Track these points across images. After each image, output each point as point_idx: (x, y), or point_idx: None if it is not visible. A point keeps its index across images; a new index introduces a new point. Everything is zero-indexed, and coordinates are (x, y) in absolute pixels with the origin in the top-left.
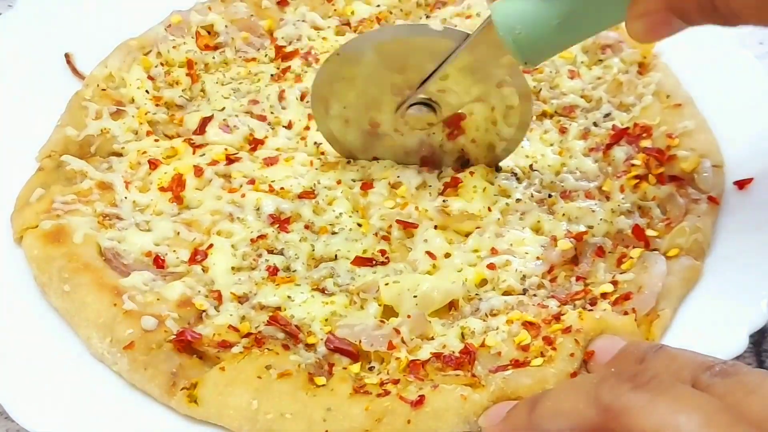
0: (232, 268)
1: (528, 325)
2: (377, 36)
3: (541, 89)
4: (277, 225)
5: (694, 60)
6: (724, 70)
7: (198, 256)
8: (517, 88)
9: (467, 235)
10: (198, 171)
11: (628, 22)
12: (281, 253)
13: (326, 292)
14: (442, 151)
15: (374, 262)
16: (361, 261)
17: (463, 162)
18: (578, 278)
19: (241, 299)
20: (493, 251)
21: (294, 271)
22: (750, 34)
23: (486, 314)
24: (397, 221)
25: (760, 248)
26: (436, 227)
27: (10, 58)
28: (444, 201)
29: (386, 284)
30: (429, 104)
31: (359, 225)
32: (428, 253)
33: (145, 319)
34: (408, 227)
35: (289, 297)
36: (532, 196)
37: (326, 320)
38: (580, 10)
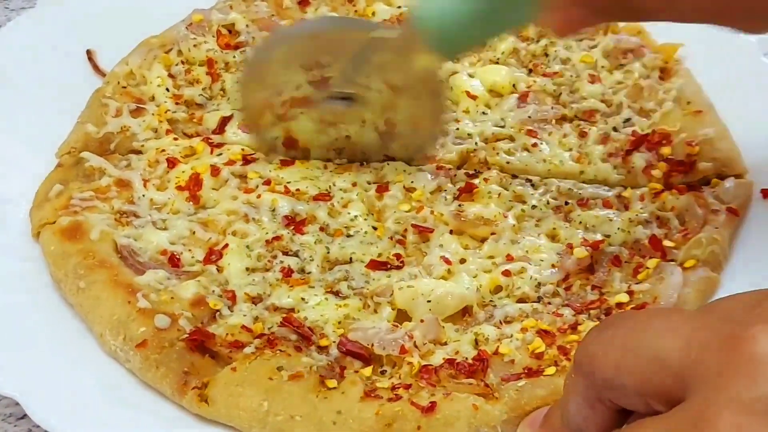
0: (247, 269)
1: (542, 333)
2: (294, 31)
3: (561, 93)
4: (293, 227)
5: (716, 67)
6: (746, 77)
7: (213, 256)
8: (431, 83)
9: (483, 240)
10: (215, 171)
11: (543, 17)
12: (296, 254)
13: (340, 294)
14: (364, 146)
15: (389, 266)
16: (376, 264)
17: (387, 157)
18: (593, 287)
19: (255, 300)
20: (508, 258)
21: (308, 273)
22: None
23: (500, 321)
24: (413, 225)
25: None
26: (451, 232)
27: (32, 54)
28: (459, 206)
29: (400, 288)
30: (351, 98)
31: (374, 228)
32: (443, 258)
33: (158, 318)
34: (423, 231)
35: (302, 299)
36: (548, 203)
37: (339, 323)
38: (495, 6)
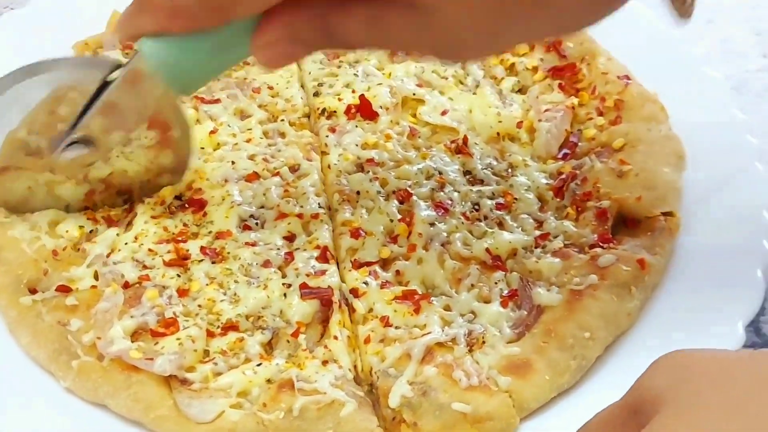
0: None
1: None
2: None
3: None
4: None
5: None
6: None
7: None
8: (176, 119)
9: None
10: None
11: (254, 53)
12: None
13: None
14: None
15: None
16: None
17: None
18: None
19: None
20: None
21: None
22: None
23: None
24: None
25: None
26: None
27: (24, 51)
28: None
29: None
30: (86, 142)
31: None
32: None
33: None
34: None
35: None
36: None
37: None
38: (222, 44)
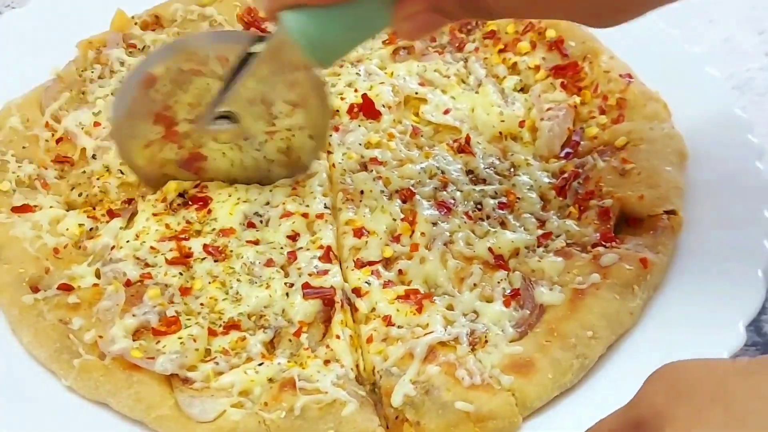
0: None
1: None
2: (157, 59)
3: None
4: None
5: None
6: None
7: None
8: (315, 93)
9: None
10: None
11: (395, 24)
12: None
13: None
14: (266, 165)
15: None
16: None
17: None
18: None
19: None
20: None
21: None
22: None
23: None
24: None
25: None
26: None
27: (25, 51)
28: None
29: None
30: (230, 117)
31: None
32: None
33: None
34: None
35: None
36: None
37: None
38: (361, 15)
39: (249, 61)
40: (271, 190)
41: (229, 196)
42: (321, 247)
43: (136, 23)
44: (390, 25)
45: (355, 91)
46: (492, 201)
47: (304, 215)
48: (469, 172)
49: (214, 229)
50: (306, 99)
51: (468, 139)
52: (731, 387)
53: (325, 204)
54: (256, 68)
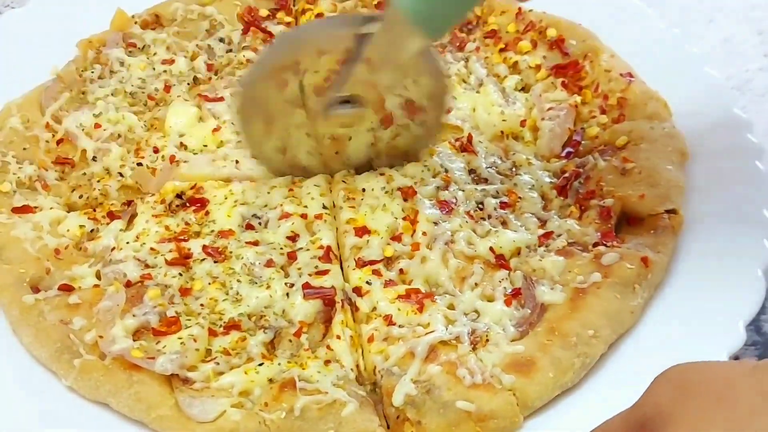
0: None
1: None
2: (280, 44)
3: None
4: None
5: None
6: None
7: None
8: (430, 69)
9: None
10: None
11: None
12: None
13: None
14: (377, 150)
15: None
16: None
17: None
18: None
19: None
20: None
21: None
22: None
23: None
24: None
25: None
26: None
27: (24, 51)
28: None
29: None
30: (352, 101)
31: None
32: None
33: None
34: None
35: None
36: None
37: None
38: None
39: (364, 43)
40: (269, 192)
41: (225, 198)
42: (321, 247)
43: (136, 22)
44: None
45: None
46: (493, 200)
47: (303, 216)
48: (471, 171)
49: (213, 231)
50: (419, 77)
51: (470, 138)
52: (737, 388)
53: (323, 204)
54: (371, 49)
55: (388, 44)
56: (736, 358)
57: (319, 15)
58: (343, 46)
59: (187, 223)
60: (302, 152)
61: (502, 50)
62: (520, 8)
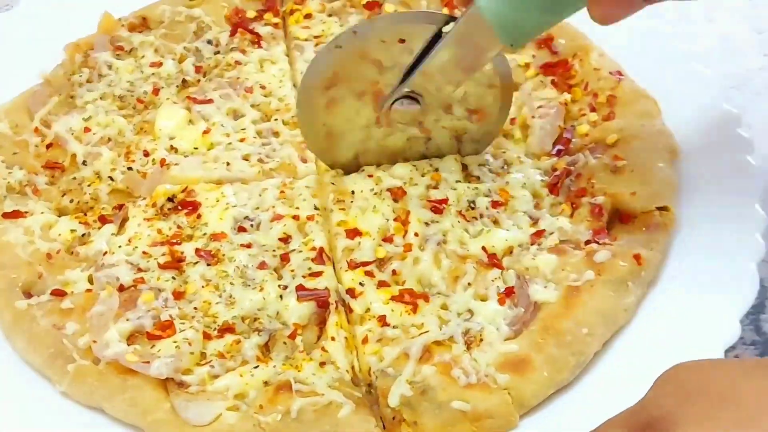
0: None
1: None
2: (345, 39)
3: None
4: None
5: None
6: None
7: None
8: (499, 72)
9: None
10: None
11: (591, 8)
12: None
13: None
14: (427, 146)
15: None
16: None
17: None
18: None
19: None
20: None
21: None
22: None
23: None
24: None
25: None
26: None
27: (11, 55)
28: None
29: None
30: (412, 97)
31: None
32: None
33: None
34: None
35: None
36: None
37: None
38: None
39: (437, 42)
40: (260, 194)
41: (217, 201)
42: (313, 248)
43: (123, 25)
44: (584, 7)
45: None
46: (485, 199)
47: (295, 217)
48: (462, 168)
49: (205, 234)
50: (489, 83)
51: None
52: (741, 387)
53: (314, 205)
54: (445, 48)
55: (462, 46)
56: (735, 356)
57: (308, 15)
58: (419, 41)
59: (179, 227)
60: (353, 143)
61: None
62: None
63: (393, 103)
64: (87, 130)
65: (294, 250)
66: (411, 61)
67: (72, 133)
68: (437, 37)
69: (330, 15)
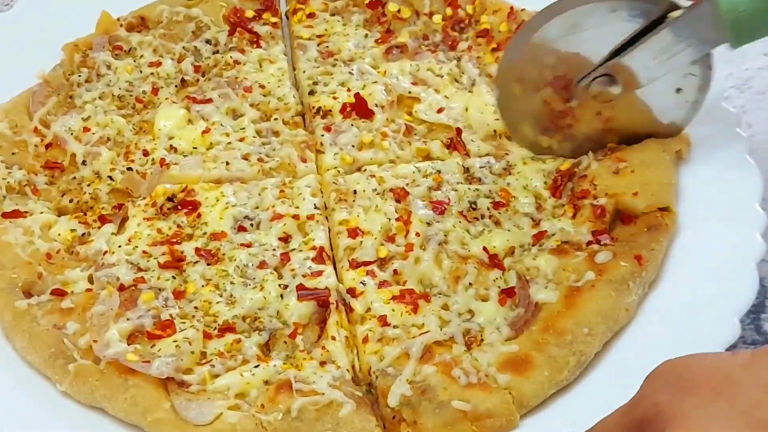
0: None
1: None
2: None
3: None
4: None
5: None
6: None
7: None
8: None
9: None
10: None
11: None
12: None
13: None
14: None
15: None
16: None
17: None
18: None
19: None
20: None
21: None
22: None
23: None
24: None
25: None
26: None
27: (9, 55)
28: None
29: None
30: (608, 77)
31: None
32: None
33: None
34: None
35: None
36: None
37: None
38: None
39: (656, 27)
40: (259, 194)
41: (217, 200)
42: (314, 248)
43: (121, 25)
44: None
45: (348, 90)
46: (487, 200)
47: (295, 217)
48: (464, 171)
49: (205, 233)
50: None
51: (459, 132)
52: (735, 380)
53: (315, 204)
54: (669, 33)
55: (681, 35)
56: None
57: (311, 15)
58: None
59: (179, 226)
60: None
61: (494, 50)
62: (512, 8)
63: (592, 81)
64: (86, 129)
65: (294, 249)
66: (623, 40)
67: (71, 133)
68: (657, 21)
69: (333, 14)
